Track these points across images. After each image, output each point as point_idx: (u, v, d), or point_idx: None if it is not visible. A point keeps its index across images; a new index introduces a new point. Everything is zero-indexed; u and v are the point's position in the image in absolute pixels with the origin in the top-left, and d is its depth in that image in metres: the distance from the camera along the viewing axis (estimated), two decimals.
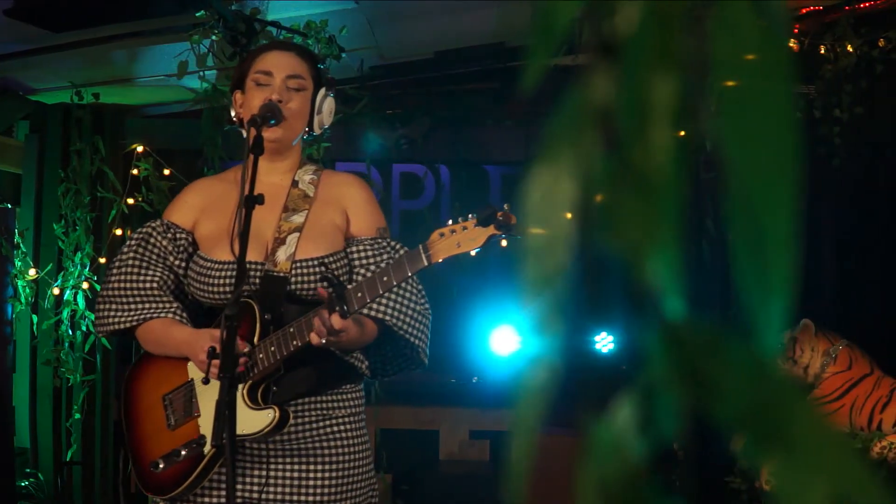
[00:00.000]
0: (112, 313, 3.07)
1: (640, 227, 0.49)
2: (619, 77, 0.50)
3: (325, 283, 2.78)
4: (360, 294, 2.80)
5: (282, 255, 2.97)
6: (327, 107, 3.16)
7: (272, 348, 2.86)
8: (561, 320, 0.54)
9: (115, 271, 3.10)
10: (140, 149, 6.65)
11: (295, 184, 3.12)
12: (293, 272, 2.95)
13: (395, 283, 2.80)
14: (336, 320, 2.74)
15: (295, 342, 2.84)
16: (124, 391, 3.16)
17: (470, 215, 2.79)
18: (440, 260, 2.78)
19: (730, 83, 0.49)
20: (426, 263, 2.77)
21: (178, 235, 3.11)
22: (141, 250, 3.09)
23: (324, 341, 2.78)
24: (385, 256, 3.04)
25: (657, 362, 0.49)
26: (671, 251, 0.51)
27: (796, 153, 0.49)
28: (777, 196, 0.48)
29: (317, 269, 2.96)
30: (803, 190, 0.50)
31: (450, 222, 2.80)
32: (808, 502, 0.46)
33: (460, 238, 2.76)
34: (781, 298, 0.49)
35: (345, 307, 2.75)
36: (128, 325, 3.05)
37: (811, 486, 0.46)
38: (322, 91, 3.14)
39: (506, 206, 2.73)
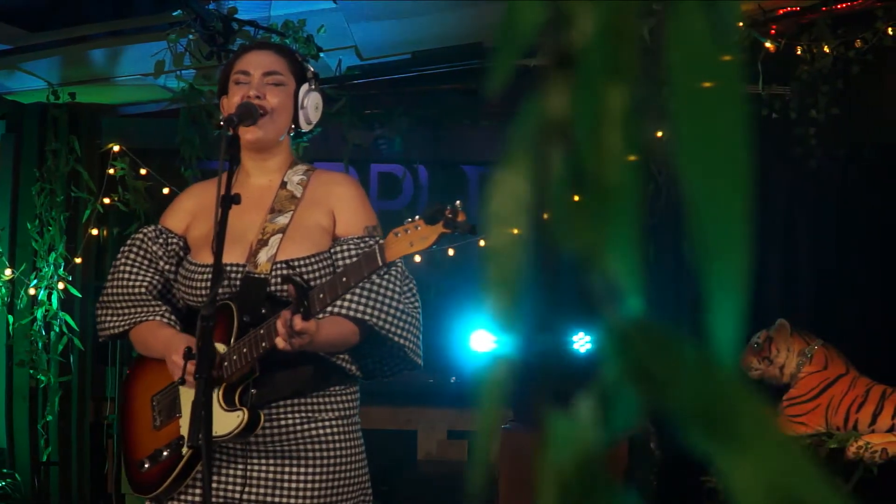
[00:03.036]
0: (109, 318, 3.14)
1: (595, 229, 0.49)
2: (574, 85, 0.51)
3: (289, 285, 2.78)
4: (321, 295, 2.80)
5: (263, 256, 2.96)
6: (311, 101, 3.13)
7: (244, 349, 2.85)
8: (520, 320, 0.55)
9: (110, 277, 3.16)
10: (116, 148, 6.63)
11: (283, 184, 3.11)
12: (273, 273, 2.94)
13: (352, 284, 2.80)
14: (298, 322, 2.73)
15: (264, 344, 2.83)
16: (121, 392, 3.24)
17: (418, 215, 2.80)
18: (395, 259, 2.79)
19: (682, 88, 0.49)
20: (380, 263, 2.78)
21: (169, 240, 3.14)
22: (133, 256, 3.13)
23: (287, 344, 2.76)
24: None
25: (612, 361, 0.50)
26: (628, 252, 0.52)
27: (747, 157, 0.50)
28: (728, 198, 0.49)
29: (298, 271, 2.95)
30: (756, 191, 0.50)
31: (407, 221, 2.81)
32: (754, 499, 0.46)
33: (412, 237, 2.77)
34: (733, 300, 0.49)
35: (306, 308, 2.74)
36: (121, 329, 3.11)
37: (757, 483, 0.46)
38: (305, 86, 3.11)
39: (457, 203, 2.73)
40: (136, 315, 3.07)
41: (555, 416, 0.52)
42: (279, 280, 2.92)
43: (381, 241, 2.80)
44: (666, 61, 0.50)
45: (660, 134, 0.53)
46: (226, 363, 2.86)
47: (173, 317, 3.08)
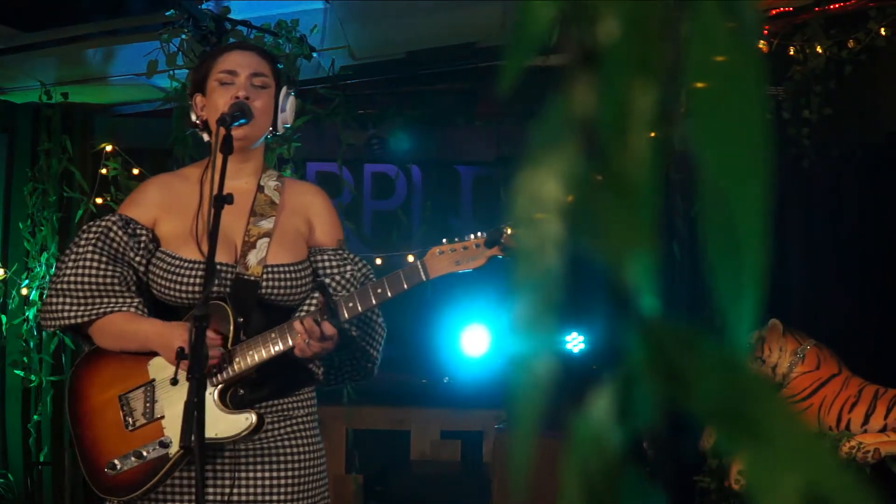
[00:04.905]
0: (67, 307, 2.97)
1: (620, 230, 0.49)
2: (599, 85, 0.50)
3: (318, 292, 2.80)
4: (351, 304, 2.83)
5: (253, 259, 2.97)
6: (290, 105, 3.15)
7: (250, 352, 2.86)
8: (552, 321, 0.55)
9: (70, 264, 3.00)
10: (109, 148, 6.61)
11: (261, 189, 3.11)
12: (264, 277, 2.95)
13: (389, 296, 2.83)
14: (328, 327, 2.76)
15: (277, 348, 2.84)
16: (70, 389, 3.07)
17: (471, 235, 2.81)
18: (438, 276, 2.81)
19: (702, 85, 0.49)
20: (424, 279, 2.80)
21: (138, 231, 3.03)
22: (100, 244, 2.99)
23: (309, 347, 2.79)
24: (348, 267, 3.07)
25: (634, 358, 0.50)
26: (648, 253, 0.51)
27: (767, 154, 0.49)
28: (748, 196, 0.49)
29: (287, 276, 2.97)
30: (774, 190, 0.50)
31: (444, 241, 2.83)
32: (779, 498, 0.46)
33: (460, 256, 2.79)
34: (752, 296, 0.49)
35: (333, 314, 2.77)
36: (84, 319, 2.96)
37: (783, 482, 0.46)
38: (284, 89, 3.13)
39: (509, 231, 2.74)
40: (104, 305, 2.95)
41: (577, 417, 0.52)
42: (271, 284, 2.94)
43: (422, 258, 2.83)
44: (685, 57, 0.49)
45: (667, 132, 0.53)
46: (226, 364, 2.86)
47: (146, 310, 2.97)
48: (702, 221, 0.51)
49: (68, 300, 2.98)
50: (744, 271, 0.49)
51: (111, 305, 2.96)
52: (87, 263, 2.98)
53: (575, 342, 6.62)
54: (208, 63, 3.10)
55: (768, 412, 0.46)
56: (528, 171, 0.54)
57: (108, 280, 2.97)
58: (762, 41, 5.92)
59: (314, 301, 3.00)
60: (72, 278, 2.98)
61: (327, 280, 3.02)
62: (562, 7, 0.53)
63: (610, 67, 0.50)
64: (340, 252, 3.11)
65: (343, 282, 3.03)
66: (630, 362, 0.50)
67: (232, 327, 2.88)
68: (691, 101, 0.49)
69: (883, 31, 5.91)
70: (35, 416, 6.57)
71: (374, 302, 2.82)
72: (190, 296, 2.92)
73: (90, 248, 3.00)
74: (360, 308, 2.83)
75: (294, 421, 3.02)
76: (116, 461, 2.93)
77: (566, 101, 0.52)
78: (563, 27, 0.53)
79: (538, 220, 0.53)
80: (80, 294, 2.97)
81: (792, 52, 6.09)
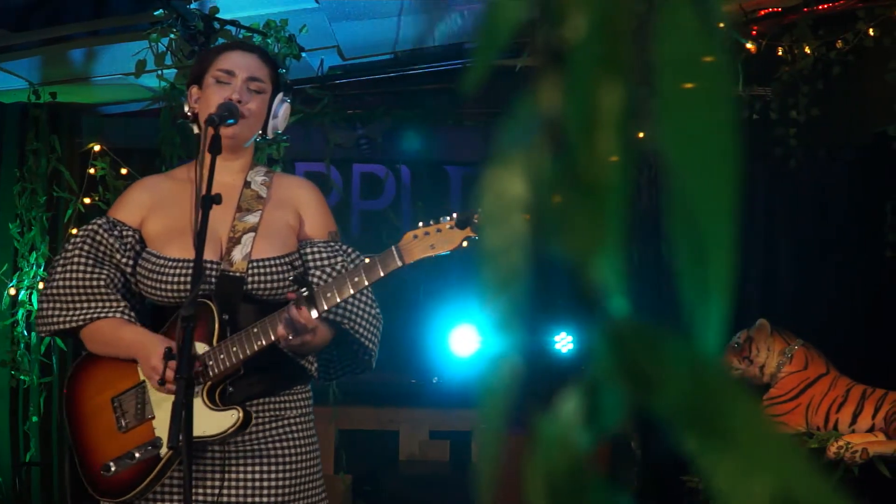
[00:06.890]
0: (57, 312, 3.01)
1: (587, 229, 0.49)
2: (565, 82, 0.50)
3: (296, 285, 2.78)
4: (329, 294, 2.79)
5: (238, 254, 2.96)
6: (283, 112, 3.16)
7: (234, 349, 2.84)
8: (519, 321, 0.55)
9: (59, 269, 3.04)
10: (97, 148, 6.60)
11: (247, 184, 3.12)
12: (249, 272, 2.94)
13: (366, 285, 2.80)
14: (307, 318, 2.74)
15: (259, 342, 2.82)
16: (67, 393, 3.09)
17: (446, 217, 2.80)
18: (414, 261, 2.78)
19: (670, 86, 0.49)
20: (399, 264, 2.77)
21: (124, 233, 3.06)
22: (87, 248, 3.03)
23: (292, 340, 2.76)
24: (339, 259, 3.04)
25: (600, 360, 0.50)
26: (616, 253, 0.51)
27: (735, 155, 0.49)
28: (716, 197, 0.49)
29: (273, 269, 2.96)
30: (742, 191, 0.50)
31: (420, 224, 2.81)
32: (749, 500, 0.46)
33: (435, 240, 2.76)
34: (720, 298, 0.49)
35: (313, 306, 2.75)
36: (73, 325, 3.00)
37: (753, 484, 0.46)
38: (280, 96, 3.14)
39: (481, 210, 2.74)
40: (93, 311, 2.98)
41: (543, 417, 0.52)
42: (256, 279, 2.93)
43: (396, 243, 2.80)
44: (654, 58, 0.49)
45: (642, 132, 0.53)
46: (211, 362, 2.85)
47: (132, 314, 3.00)
48: (670, 223, 0.51)
49: (58, 305, 3.01)
50: (710, 273, 0.49)
51: (98, 311, 2.98)
52: (74, 268, 3.01)
53: (564, 342, 6.62)
54: (210, 58, 3.12)
55: (737, 415, 0.46)
56: (495, 170, 0.54)
57: (95, 283, 3.00)
58: (750, 42, 5.93)
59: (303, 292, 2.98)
60: (61, 283, 3.02)
61: (317, 272, 2.99)
62: (531, 6, 0.53)
63: (577, 65, 0.50)
64: (332, 244, 3.08)
65: (334, 273, 2.99)
66: (596, 365, 0.50)
67: (217, 325, 2.87)
68: (658, 100, 0.49)
69: (871, 32, 5.91)
70: (34, 419, 6.55)
71: (351, 291, 2.80)
72: (176, 294, 2.92)
73: (77, 251, 3.03)
74: (337, 298, 2.80)
75: (286, 422, 3.01)
76: (111, 463, 2.94)
77: (534, 100, 0.52)
78: (534, 25, 0.53)
79: (504, 219, 0.53)
80: (69, 299, 3.00)
81: (780, 53, 6.09)
